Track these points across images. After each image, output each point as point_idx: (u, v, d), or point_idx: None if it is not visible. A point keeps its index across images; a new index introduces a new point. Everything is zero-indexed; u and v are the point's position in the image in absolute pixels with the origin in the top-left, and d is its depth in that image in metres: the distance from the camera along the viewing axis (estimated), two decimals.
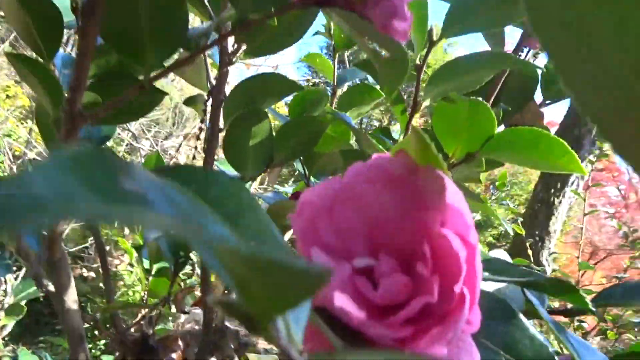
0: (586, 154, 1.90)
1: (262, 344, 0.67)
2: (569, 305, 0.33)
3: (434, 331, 0.19)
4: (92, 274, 2.73)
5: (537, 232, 2.67)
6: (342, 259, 0.21)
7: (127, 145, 3.37)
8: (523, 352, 0.23)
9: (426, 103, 0.48)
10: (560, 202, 2.84)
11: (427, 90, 0.46)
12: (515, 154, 0.43)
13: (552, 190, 2.86)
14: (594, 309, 0.29)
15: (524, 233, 1.72)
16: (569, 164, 0.42)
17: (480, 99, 0.42)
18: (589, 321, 1.32)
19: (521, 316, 0.23)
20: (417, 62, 0.47)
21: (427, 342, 0.19)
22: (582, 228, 1.73)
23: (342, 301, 0.19)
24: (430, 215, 0.21)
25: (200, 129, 0.49)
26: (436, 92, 0.45)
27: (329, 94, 0.64)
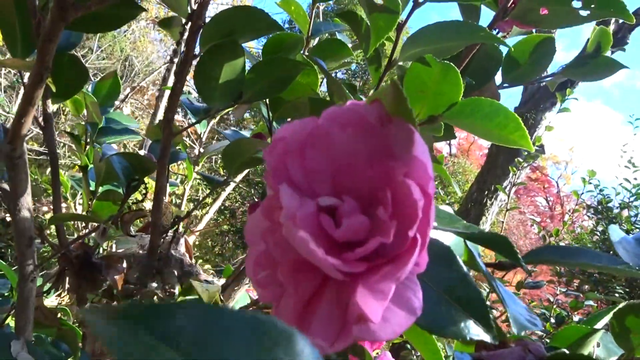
0: (520, 158, 2.02)
1: (204, 275, 0.68)
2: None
3: (385, 269, 0.21)
4: None
5: None
6: (308, 198, 0.23)
7: None
8: (459, 294, 0.26)
9: (400, 63, 0.50)
10: (492, 204, 3.06)
11: (403, 50, 0.47)
12: (473, 123, 0.46)
13: (486, 192, 3.06)
14: (523, 264, 0.33)
15: None
16: (519, 139, 0.45)
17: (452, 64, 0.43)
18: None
19: (461, 262, 0.26)
20: (399, 21, 0.48)
21: (378, 279, 0.21)
22: (502, 222, 1.85)
23: (304, 233, 0.20)
24: (396, 165, 0.22)
25: (175, 52, 0.48)
26: (411, 54, 0.47)
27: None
